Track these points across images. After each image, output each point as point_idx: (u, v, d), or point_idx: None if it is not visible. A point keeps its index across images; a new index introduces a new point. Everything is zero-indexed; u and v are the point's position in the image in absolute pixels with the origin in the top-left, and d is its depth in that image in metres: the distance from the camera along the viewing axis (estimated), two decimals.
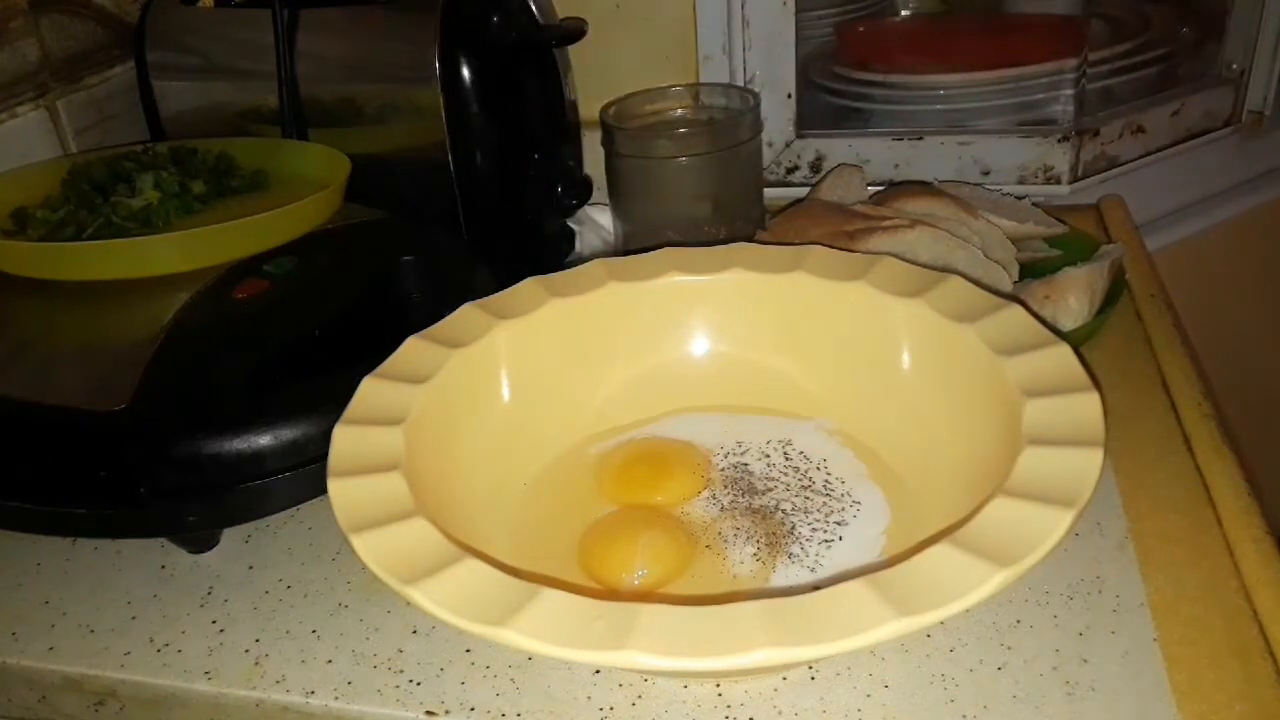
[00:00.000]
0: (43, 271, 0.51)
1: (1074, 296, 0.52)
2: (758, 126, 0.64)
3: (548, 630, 0.29)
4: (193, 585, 0.45)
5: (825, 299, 0.47)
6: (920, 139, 0.75)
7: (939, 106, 0.78)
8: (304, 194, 0.53)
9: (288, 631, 0.42)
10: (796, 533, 0.41)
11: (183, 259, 0.51)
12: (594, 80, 0.68)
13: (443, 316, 0.46)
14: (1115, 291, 0.55)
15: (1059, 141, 0.73)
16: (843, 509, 0.42)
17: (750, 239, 0.59)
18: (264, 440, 0.43)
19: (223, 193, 0.58)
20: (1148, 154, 0.77)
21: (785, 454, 0.46)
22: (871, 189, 0.66)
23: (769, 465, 0.45)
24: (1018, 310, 0.42)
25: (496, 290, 0.48)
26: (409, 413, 0.40)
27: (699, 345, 0.50)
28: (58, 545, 0.47)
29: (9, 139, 0.64)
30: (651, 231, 0.63)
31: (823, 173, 0.76)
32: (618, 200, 0.65)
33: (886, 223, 0.55)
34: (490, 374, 0.46)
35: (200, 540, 0.46)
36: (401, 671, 0.39)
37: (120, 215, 0.53)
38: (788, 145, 0.77)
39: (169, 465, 0.43)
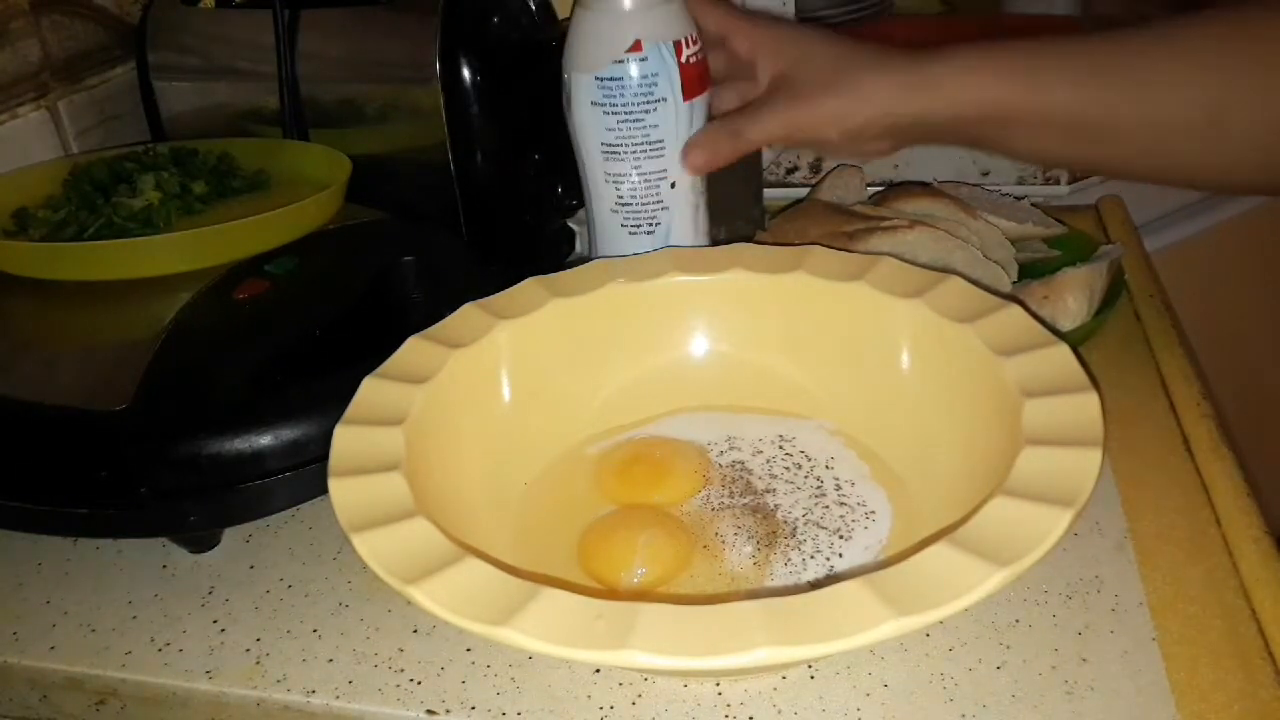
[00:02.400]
0: (43, 271, 0.51)
1: (1073, 297, 0.52)
2: None
3: (548, 629, 0.29)
4: (194, 585, 0.45)
5: (825, 299, 0.47)
6: None
7: None
8: (305, 195, 0.54)
9: (289, 631, 0.42)
10: (797, 533, 0.41)
11: (183, 259, 0.51)
12: None
13: (443, 316, 0.46)
14: (1114, 292, 0.55)
15: None
16: (855, 519, 0.42)
17: (750, 239, 0.59)
18: (264, 440, 0.43)
19: (224, 193, 0.58)
20: None
21: (786, 453, 0.46)
22: (871, 189, 0.66)
23: (769, 464, 0.45)
24: (1017, 310, 0.42)
25: (496, 290, 0.48)
26: (409, 413, 0.40)
27: (699, 345, 0.50)
28: (59, 545, 0.47)
29: (10, 139, 0.65)
30: None
31: (822, 173, 0.76)
32: None
33: (886, 223, 0.55)
34: (490, 374, 0.46)
35: (201, 540, 0.46)
36: (402, 670, 0.39)
37: (121, 216, 0.53)
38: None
39: (170, 465, 0.43)
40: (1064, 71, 0.45)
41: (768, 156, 0.76)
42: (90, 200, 0.55)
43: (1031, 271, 0.57)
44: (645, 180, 0.52)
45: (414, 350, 0.44)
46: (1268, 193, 0.49)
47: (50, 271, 0.51)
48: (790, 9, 0.72)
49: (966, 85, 0.46)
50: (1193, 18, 0.43)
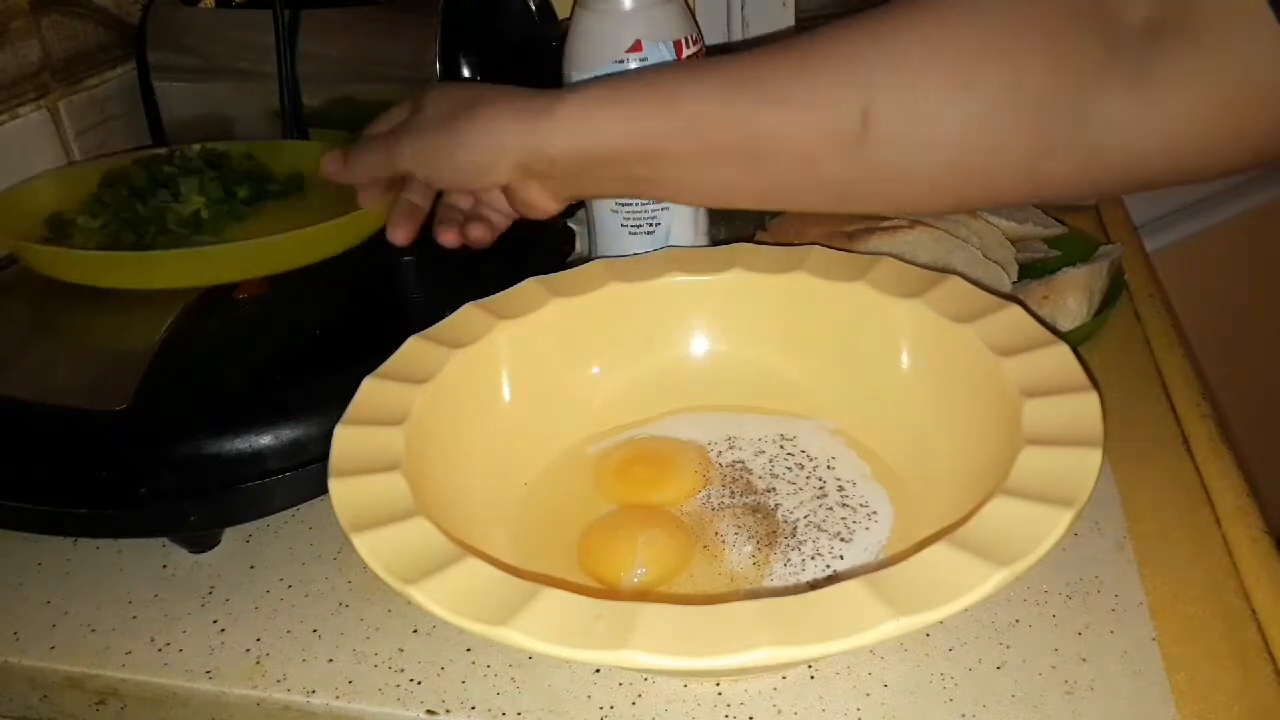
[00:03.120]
0: (98, 279, 0.50)
1: (1073, 297, 0.52)
2: None
3: (549, 629, 0.29)
4: (194, 585, 0.45)
5: (825, 299, 0.47)
6: None
7: None
8: (343, 196, 0.53)
9: (289, 631, 0.42)
10: (797, 532, 0.41)
11: (257, 266, 0.50)
12: None
13: (443, 316, 0.46)
14: (1114, 292, 0.55)
15: None
16: (856, 519, 0.42)
17: (750, 239, 0.59)
18: (265, 440, 0.43)
19: (263, 196, 0.57)
20: None
21: (787, 453, 0.46)
22: None
23: (770, 464, 0.45)
24: (1017, 310, 0.42)
25: (496, 290, 0.48)
26: (409, 413, 0.40)
27: (699, 345, 0.50)
28: (59, 545, 0.47)
29: (10, 140, 0.65)
30: None
31: None
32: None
33: (885, 223, 0.55)
34: (490, 374, 0.46)
35: (201, 540, 0.46)
36: (402, 670, 0.39)
37: (173, 222, 0.53)
38: None
39: (170, 465, 0.43)
40: (702, 93, 0.40)
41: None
42: (130, 206, 0.54)
43: (1031, 271, 0.57)
44: None
45: (414, 350, 0.44)
46: (926, 209, 0.45)
47: (106, 279, 0.50)
48: (790, 9, 0.72)
49: (587, 113, 0.42)
50: (835, 24, 0.39)
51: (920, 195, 0.40)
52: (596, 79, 0.45)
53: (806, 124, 0.39)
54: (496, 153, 0.44)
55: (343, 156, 0.50)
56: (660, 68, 0.43)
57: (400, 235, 0.50)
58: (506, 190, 0.47)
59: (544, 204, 0.47)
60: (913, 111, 0.37)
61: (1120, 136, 0.34)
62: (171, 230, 0.53)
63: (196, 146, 0.61)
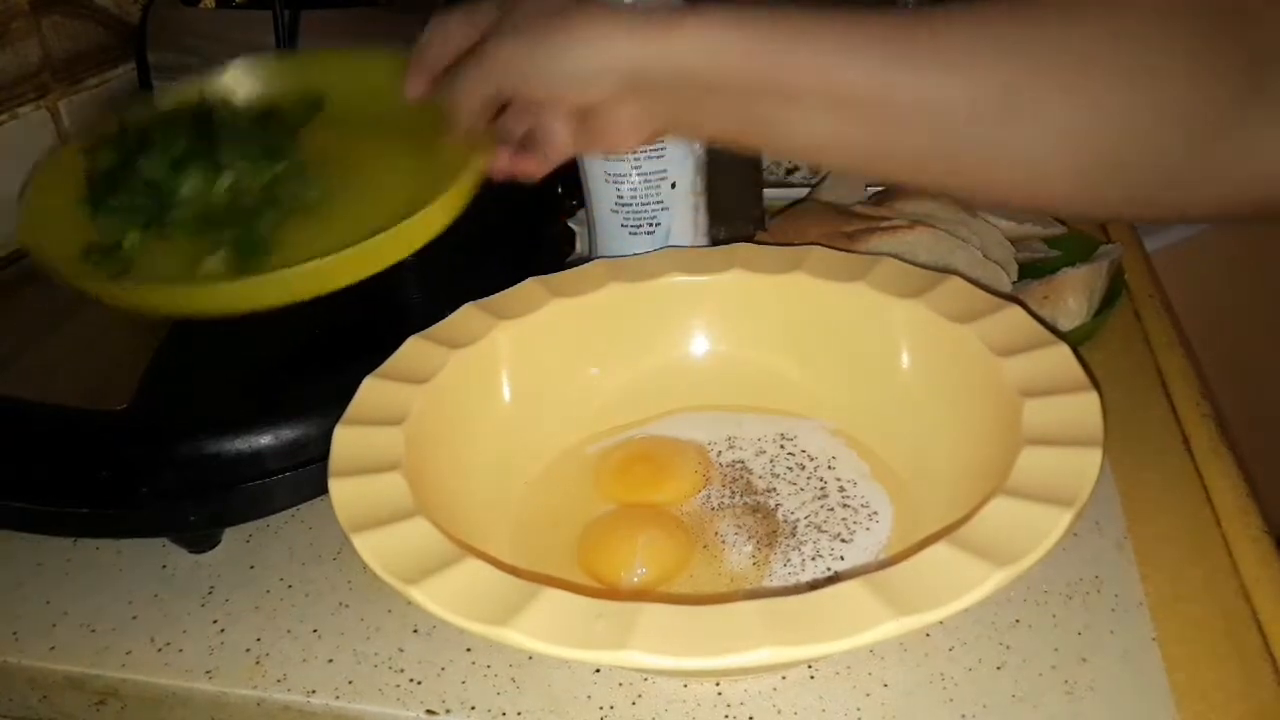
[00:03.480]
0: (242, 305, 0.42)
1: (1072, 297, 0.52)
2: None
3: (549, 629, 0.29)
4: (194, 584, 0.45)
5: (825, 299, 0.47)
6: None
7: None
8: (373, 96, 0.46)
9: (289, 631, 0.42)
10: (797, 532, 0.41)
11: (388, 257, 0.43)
12: None
13: (443, 316, 0.46)
14: (1114, 292, 0.55)
15: None
16: (857, 520, 0.42)
17: (750, 239, 0.59)
18: (265, 440, 0.43)
19: (289, 130, 0.51)
20: None
21: (788, 453, 0.46)
22: (871, 189, 0.66)
23: (770, 464, 0.45)
24: (1017, 310, 0.42)
25: (496, 290, 0.48)
26: (409, 413, 0.40)
27: (699, 345, 0.50)
28: (59, 545, 0.47)
29: (10, 139, 0.65)
30: None
31: (823, 173, 0.76)
32: None
33: (886, 223, 0.55)
34: (491, 374, 0.46)
35: (201, 540, 0.46)
36: (402, 670, 0.39)
37: (248, 203, 0.47)
38: None
39: (170, 465, 0.43)
40: (838, 36, 0.38)
41: (768, 156, 0.76)
42: (166, 201, 0.47)
43: (1031, 271, 0.57)
44: (645, 180, 0.52)
45: (414, 350, 0.44)
46: (1071, 206, 0.43)
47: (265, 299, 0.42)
48: None
49: (713, 34, 0.38)
50: (977, 4, 0.37)
51: (1036, 188, 0.38)
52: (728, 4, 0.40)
53: (947, 85, 0.36)
54: (606, 61, 0.39)
55: (422, 75, 0.45)
56: (786, 8, 0.40)
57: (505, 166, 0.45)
58: (591, 112, 0.41)
59: (630, 131, 0.41)
60: (1062, 96, 0.35)
61: (1260, 160, 0.34)
62: (251, 209, 0.46)
63: (142, 110, 0.51)
